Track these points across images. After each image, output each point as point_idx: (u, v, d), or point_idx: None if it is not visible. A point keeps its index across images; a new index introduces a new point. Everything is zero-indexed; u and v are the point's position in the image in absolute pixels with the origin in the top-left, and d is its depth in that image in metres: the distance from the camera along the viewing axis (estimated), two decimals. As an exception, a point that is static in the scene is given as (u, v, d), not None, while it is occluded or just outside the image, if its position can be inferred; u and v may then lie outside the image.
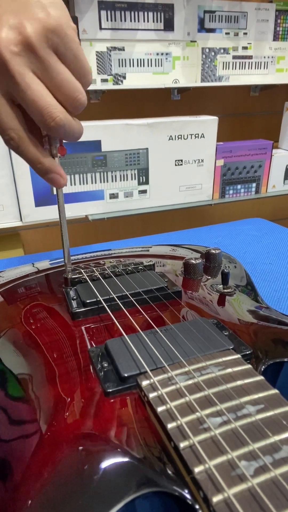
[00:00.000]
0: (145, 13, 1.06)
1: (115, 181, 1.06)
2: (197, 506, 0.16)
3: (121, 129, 1.01)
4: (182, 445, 0.18)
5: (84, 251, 0.49)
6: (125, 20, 1.05)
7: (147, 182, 1.08)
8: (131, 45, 1.08)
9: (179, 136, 1.06)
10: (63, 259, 0.46)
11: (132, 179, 1.07)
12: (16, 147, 0.28)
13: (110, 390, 0.23)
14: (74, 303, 0.32)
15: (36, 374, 0.26)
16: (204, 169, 1.11)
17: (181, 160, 1.09)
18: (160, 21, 1.07)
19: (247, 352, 0.25)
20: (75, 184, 1.03)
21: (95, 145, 1.01)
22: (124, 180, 1.07)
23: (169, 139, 1.06)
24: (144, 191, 1.10)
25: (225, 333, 0.27)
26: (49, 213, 1.03)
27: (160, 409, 0.20)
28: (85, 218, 1.04)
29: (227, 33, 1.12)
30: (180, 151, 1.07)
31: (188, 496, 0.17)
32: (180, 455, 0.18)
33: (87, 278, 0.36)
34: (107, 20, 1.04)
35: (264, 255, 0.54)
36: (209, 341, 0.26)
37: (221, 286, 0.36)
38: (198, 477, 0.16)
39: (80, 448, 0.20)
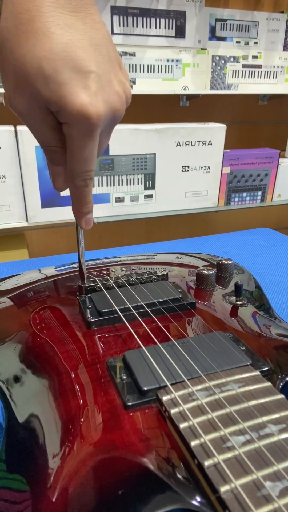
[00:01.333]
0: (157, 20, 1.07)
1: (122, 185, 1.06)
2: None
3: (129, 133, 1.02)
4: (207, 463, 0.18)
5: (91, 257, 0.49)
6: (137, 26, 1.05)
7: (153, 187, 1.09)
8: (142, 51, 1.08)
9: (187, 143, 1.06)
10: (71, 265, 0.46)
11: (138, 183, 1.07)
12: (87, 186, 0.30)
13: (130, 404, 0.23)
14: (89, 312, 0.32)
15: (54, 385, 0.26)
16: (211, 176, 1.11)
17: (188, 166, 1.09)
18: (172, 28, 1.08)
19: (265, 369, 0.25)
20: (82, 187, 1.03)
21: (103, 148, 1.01)
22: (130, 184, 1.07)
23: (177, 145, 1.06)
24: (150, 196, 1.10)
25: (242, 348, 0.27)
26: (55, 214, 1.03)
27: (182, 425, 0.20)
28: (91, 221, 1.05)
29: (237, 42, 1.12)
30: (187, 157, 1.08)
31: (212, 515, 0.17)
32: (204, 474, 0.18)
33: (102, 287, 0.36)
34: (119, 25, 1.05)
35: (273, 266, 0.54)
36: (227, 356, 0.26)
37: (234, 298, 0.36)
38: (225, 497, 0.17)
39: (100, 461, 0.20)
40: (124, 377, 0.25)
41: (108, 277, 0.38)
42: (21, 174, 0.98)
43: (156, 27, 1.07)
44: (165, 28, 1.07)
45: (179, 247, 0.61)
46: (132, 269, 0.42)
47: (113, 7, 1.03)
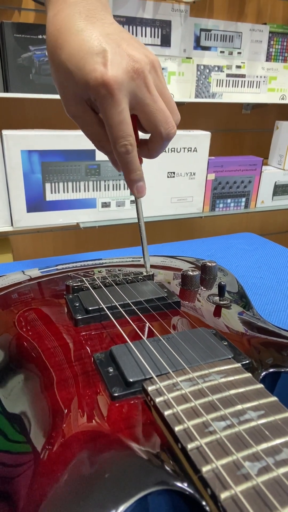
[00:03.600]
0: (143, 28, 1.09)
1: (108, 190, 1.07)
2: (204, 503, 0.18)
3: (116, 139, 1.03)
4: (189, 446, 0.19)
5: (77, 260, 0.50)
6: (123, 34, 1.08)
7: (139, 192, 1.10)
8: (128, 58, 1.10)
9: (173, 149, 1.08)
10: (58, 266, 0.47)
11: (124, 188, 1.09)
12: (129, 153, 0.32)
13: (117, 394, 0.24)
14: (76, 310, 0.33)
15: (42, 378, 0.27)
16: (196, 182, 1.14)
17: (174, 173, 1.11)
18: (158, 37, 1.10)
19: (246, 362, 0.26)
20: (68, 191, 1.04)
21: (89, 154, 1.03)
22: (116, 189, 1.08)
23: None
24: (136, 201, 1.11)
25: (224, 343, 0.29)
26: (41, 219, 1.03)
27: (167, 412, 0.21)
28: (77, 225, 1.05)
29: (222, 52, 1.15)
30: (172, 163, 1.10)
31: (195, 493, 0.18)
32: (187, 456, 0.19)
33: (89, 286, 0.37)
34: (106, 32, 1.06)
35: (255, 269, 0.56)
36: (210, 350, 0.27)
37: (218, 298, 0.38)
38: (206, 476, 0.18)
39: (90, 448, 0.21)
40: (111, 370, 0.26)
41: (95, 277, 0.39)
42: (6, 179, 0.98)
43: (142, 36, 1.09)
44: (151, 36, 1.10)
45: (165, 250, 0.63)
46: (118, 270, 0.44)
47: (100, 15, 1.05)
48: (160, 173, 1.10)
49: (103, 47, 0.29)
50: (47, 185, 1.03)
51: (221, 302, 0.37)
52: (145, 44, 1.10)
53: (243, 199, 1.19)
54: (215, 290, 0.40)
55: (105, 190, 1.08)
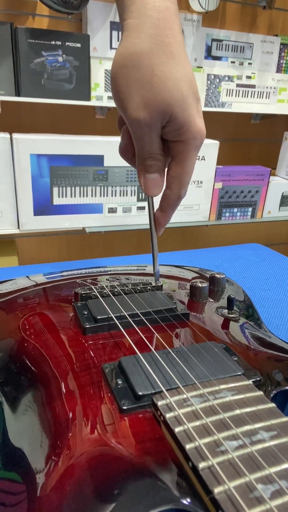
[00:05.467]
0: (155, 37, 1.09)
1: (115, 196, 1.08)
2: (215, 526, 0.17)
3: (125, 146, 1.03)
4: (201, 465, 0.19)
5: (84, 266, 0.49)
6: (135, 42, 1.08)
7: (146, 199, 1.10)
8: (139, 66, 1.11)
9: (180, 157, 1.08)
10: (65, 272, 0.47)
11: (131, 195, 1.09)
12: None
13: (126, 408, 0.24)
14: (84, 319, 0.33)
15: (49, 388, 0.26)
16: (203, 190, 1.14)
17: (181, 180, 1.11)
18: (169, 45, 1.11)
19: (257, 379, 0.26)
20: (75, 196, 1.05)
21: (98, 159, 1.03)
22: (123, 195, 1.08)
23: (171, 159, 1.08)
24: (143, 208, 1.11)
25: (235, 358, 0.28)
26: (47, 222, 1.04)
27: (177, 429, 0.21)
28: (82, 230, 1.05)
29: (232, 62, 1.16)
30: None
31: (206, 515, 0.18)
32: (198, 476, 0.19)
33: (98, 294, 0.37)
34: (118, 40, 1.07)
35: (263, 281, 0.55)
36: (221, 365, 0.27)
37: (226, 310, 0.37)
38: (218, 498, 0.17)
39: (97, 462, 0.21)
40: (120, 382, 0.26)
41: (103, 285, 0.39)
42: (15, 181, 0.98)
43: (154, 44, 1.10)
44: (162, 45, 1.10)
45: (171, 259, 0.63)
46: (127, 279, 0.43)
47: (113, 22, 1.06)
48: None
49: (199, 97, 0.30)
50: (55, 189, 1.03)
51: (230, 315, 0.37)
52: (157, 52, 1.11)
53: (250, 209, 1.18)
54: (223, 302, 0.40)
55: (112, 195, 1.08)
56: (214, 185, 1.13)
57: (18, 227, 1.02)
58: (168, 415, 0.22)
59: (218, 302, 0.40)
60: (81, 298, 0.37)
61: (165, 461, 0.21)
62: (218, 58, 1.15)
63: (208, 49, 1.14)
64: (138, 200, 1.11)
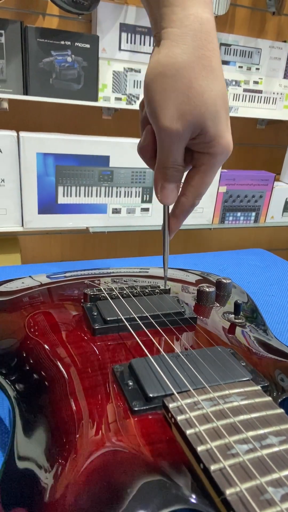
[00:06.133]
0: (164, 39, 1.10)
1: (119, 196, 1.08)
2: (226, 526, 0.18)
3: (130, 147, 1.04)
4: (213, 467, 0.19)
5: (89, 267, 0.50)
6: (144, 44, 1.09)
7: (150, 201, 1.11)
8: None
9: (186, 160, 1.09)
10: (73, 273, 0.48)
11: (136, 196, 1.09)
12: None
13: (137, 409, 0.24)
14: (95, 319, 0.34)
15: (61, 387, 0.27)
16: (207, 193, 1.14)
17: (186, 183, 1.12)
18: (178, 49, 1.11)
19: (265, 384, 0.27)
20: (79, 196, 1.05)
21: (104, 160, 1.03)
22: (128, 196, 1.09)
23: (176, 161, 1.08)
24: (147, 209, 1.12)
25: (242, 363, 0.29)
26: (51, 221, 1.04)
27: (189, 431, 0.22)
28: (86, 230, 1.06)
29: (240, 67, 1.16)
30: (185, 174, 1.11)
31: (217, 516, 0.18)
32: (210, 477, 0.19)
33: (107, 296, 0.37)
34: (127, 42, 1.08)
35: (266, 287, 0.56)
36: (229, 370, 0.27)
37: (233, 316, 0.38)
38: (230, 499, 0.18)
39: (109, 461, 0.21)
40: (130, 383, 0.26)
41: (112, 287, 0.39)
42: (20, 179, 0.99)
43: (162, 47, 1.10)
44: (171, 48, 1.11)
45: (176, 262, 0.63)
46: (134, 281, 0.44)
47: (122, 24, 1.07)
48: (172, 183, 1.11)
49: (228, 112, 0.31)
50: (60, 188, 1.04)
51: (237, 321, 0.37)
52: (165, 55, 1.12)
53: (253, 214, 1.19)
54: (229, 307, 0.41)
55: (116, 196, 1.09)
56: (218, 188, 1.14)
57: (22, 225, 1.03)
58: (179, 418, 0.23)
59: (224, 306, 0.41)
60: (91, 299, 0.37)
61: (176, 462, 0.21)
62: (226, 63, 1.16)
63: (216, 53, 1.15)
64: (143, 201, 1.12)
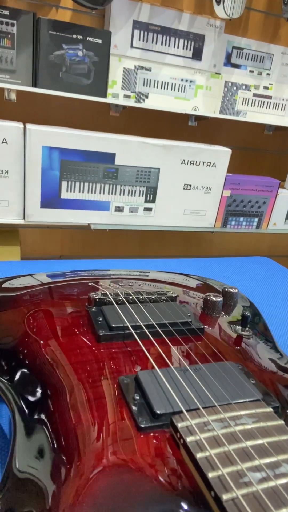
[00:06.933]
0: (176, 40, 1.08)
1: (123, 195, 1.07)
2: None
3: (137, 146, 1.03)
4: (225, 497, 0.18)
5: (90, 266, 0.49)
6: (156, 43, 1.07)
7: (153, 201, 1.09)
8: (158, 67, 1.10)
9: (192, 162, 1.08)
10: (78, 272, 0.46)
11: (139, 195, 1.08)
12: None
13: (143, 426, 0.23)
14: (100, 326, 0.32)
15: (64, 397, 0.26)
16: (211, 197, 1.13)
17: (190, 185, 1.11)
18: (190, 49, 1.10)
19: (276, 406, 0.26)
20: (83, 192, 1.04)
21: (109, 157, 1.02)
22: (131, 195, 1.07)
23: (182, 163, 1.07)
24: (150, 209, 1.11)
25: (252, 381, 0.28)
26: (53, 216, 1.02)
27: (199, 455, 0.20)
28: (88, 226, 1.05)
29: (251, 71, 1.15)
30: (190, 176, 1.09)
31: None
32: (222, 507, 0.18)
33: (112, 301, 0.36)
34: (139, 39, 1.06)
35: (270, 297, 0.55)
36: (239, 388, 0.26)
37: (240, 327, 0.37)
38: (243, 534, 0.17)
39: (113, 480, 0.20)
40: (137, 397, 0.25)
41: (118, 292, 0.38)
42: (25, 172, 0.97)
43: (174, 47, 1.09)
44: (183, 48, 1.10)
45: (180, 267, 0.62)
46: (139, 285, 0.43)
47: (136, 21, 1.05)
48: (176, 184, 1.10)
49: None
50: (64, 183, 1.02)
51: (243, 333, 0.36)
52: (176, 56, 1.10)
53: (256, 219, 1.18)
54: (235, 317, 0.39)
55: (120, 194, 1.08)
56: (222, 192, 1.13)
57: (24, 218, 1.01)
58: (189, 439, 0.21)
59: (229, 316, 0.40)
60: (95, 303, 0.36)
61: (185, 487, 0.20)
62: (237, 66, 1.15)
63: (228, 56, 1.13)
64: (146, 201, 1.10)
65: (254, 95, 1.17)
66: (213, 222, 1.15)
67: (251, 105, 1.18)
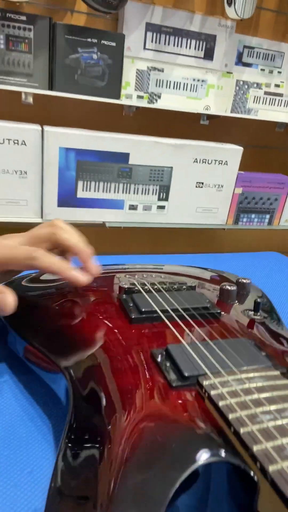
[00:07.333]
0: (188, 40, 1.15)
1: (137, 193, 1.13)
2: (252, 474, 0.23)
3: (150, 145, 1.09)
4: (242, 430, 0.25)
5: (105, 261, 0.54)
6: (168, 44, 1.13)
7: (166, 199, 1.16)
8: (170, 68, 1.16)
9: (204, 160, 1.14)
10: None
11: (153, 194, 1.15)
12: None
13: (174, 385, 0.30)
14: (131, 310, 0.39)
15: (108, 367, 0.33)
16: (223, 194, 1.19)
17: (202, 183, 1.17)
18: (201, 50, 1.16)
19: (284, 371, 0.32)
20: (98, 191, 1.10)
21: (124, 157, 1.08)
22: (145, 194, 1.14)
23: (194, 161, 1.14)
24: (163, 207, 1.17)
25: (263, 353, 0.34)
26: (70, 214, 1.10)
27: (221, 403, 0.27)
28: (102, 224, 1.11)
29: (262, 69, 1.21)
30: (202, 174, 1.15)
31: (245, 467, 0.24)
32: (239, 438, 0.25)
33: (141, 289, 0.43)
34: (152, 41, 1.12)
35: (281, 290, 0.61)
36: (253, 357, 0.33)
37: (252, 312, 0.43)
38: (256, 453, 0.23)
39: (155, 423, 0.27)
40: (168, 364, 0.32)
41: (145, 282, 0.45)
42: (42, 172, 1.04)
43: (186, 47, 1.15)
44: (195, 49, 1.16)
45: (194, 262, 0.68)
46: (161, 277, 0.49)
47: (148, 23, 1.11)
48: (189, 182, 1.16)
49: None
50: (80, 183, 1.09)
51: (256, 317, 0.43)
52: (188, 57, 1.16)
53: (267, 216, 1.24)
54: (248, 304, 0.46)
55: (134, 193, 1.14)
56: (234, 190, 1.19)
57: (42, 217, 1.08)
58: (212, 392, 0.28)
59: (243, 304, 0.46)
60: (126, 292, 0.43)
61: (210, 427, 0.27)
62: (248, 65, 1.21)
63: (239, 55, 1.19)
64: (159, 199, 1.17)
65: (266, 93, 1.23)
66: (225, 219, 1.22)
67: (263, 103, 1.24)
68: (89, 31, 1.03)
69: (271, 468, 0.22)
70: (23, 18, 0.99)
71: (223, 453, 0.24)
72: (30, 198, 1.06)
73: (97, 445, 0.26)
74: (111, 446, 0.25)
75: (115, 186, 1.11)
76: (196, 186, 1.17)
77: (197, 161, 1.14)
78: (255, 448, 0.24)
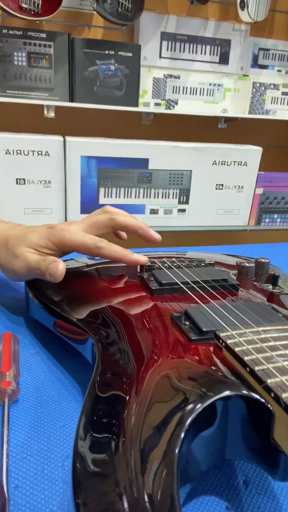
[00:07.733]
0: (203, 46, 1.19)
1: (157, 197, 1.17)
2: (263, 401, 0.25)
3: (169, 150, 1.13)
4: (257, 368, 0.27)
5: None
6: (183, 51, 1.19)
7: (187, 202, 1.19)
8: (186, 74, 1.21)
9: (223, 162, 1.17)
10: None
11: (173, 197, 1.18)
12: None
13: (193, 338, 0.32)
14: (152, 283, 0.42)
15: (135, 328, 0.35)
16: (243, 195, 1.21)
17: (222, 185, 1.19)
18: (216, 55, 1.20)
19: (299, 326, 0.34)
20: (119, 196, 1.14)
21: (143, 162, 1.13)
22: (165, 197, 1.17)
23: (213, 164, 1.17)
24: (183, 210, 1.20)
25: (280, 315, 0.36)
26: (92, 221, 1.14)
27: (237, 349, 0.29)
28: (125, 230, 1.15)
29: (278, 70, 1.24)
30: (222, 176, 1.18)
31: (260, 398, 0.26)
32: (254, 375, 0.27)
33: (161, 266, 0.45)
34: (167, 50, 1.18)
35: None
36: (270, 316, 0.35)
37: (271, 286, 0.45)
38: (270, 385, 0.25)
39: (178, 366, 0.29)
40: (187, 323, 0.34)
41: (165, 260, 0.48)
42: (65, 181, 1.09)
43: (201, 53, 1.20)
44: (210, 54, 1.20)
45: (218, 251, 0.71)
46: (182, 257, 0.52)
47: (163, 33, 1.17)
48: (208, 184, 1.19)
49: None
50: (101, 190, 1.13)
51: (274, 290, 0.44)
52: (204, 62, 1.21)
53: (291, 215, 1.24)
54: (267, 281, 0.48)
55: (154, 197, 1.17)
56: (255, 190, 1.21)
57: (65, 224, 1.13)
58: (229, 341, 0.30)
59: (262, 282, 0.48)
60: (146, 270, 0.45)
61: (227, 368, 0.29)
62: (264, 67, 1.24)
63: (255, 58, 1.23)
64: (180, 202, 1.20)
65: (283, 93, 1.25)
66: (246, 220, 1.23)
67: (280, 103, 1.26)
68: (106, 43, 1.09)
69: (284, 395, 0.24)
70: (43, 35, 1.06)
71: (240, 388, 0.26)
72: (54, 207, 1.11)
73: (124, 386, 0.28)
74: (136, 386, 0.28)
75: (136, 191, 1.15)
76: (216, 188, 1.19)
77: (216, 163, 1.17)
78: (269, 381, 0.26)
